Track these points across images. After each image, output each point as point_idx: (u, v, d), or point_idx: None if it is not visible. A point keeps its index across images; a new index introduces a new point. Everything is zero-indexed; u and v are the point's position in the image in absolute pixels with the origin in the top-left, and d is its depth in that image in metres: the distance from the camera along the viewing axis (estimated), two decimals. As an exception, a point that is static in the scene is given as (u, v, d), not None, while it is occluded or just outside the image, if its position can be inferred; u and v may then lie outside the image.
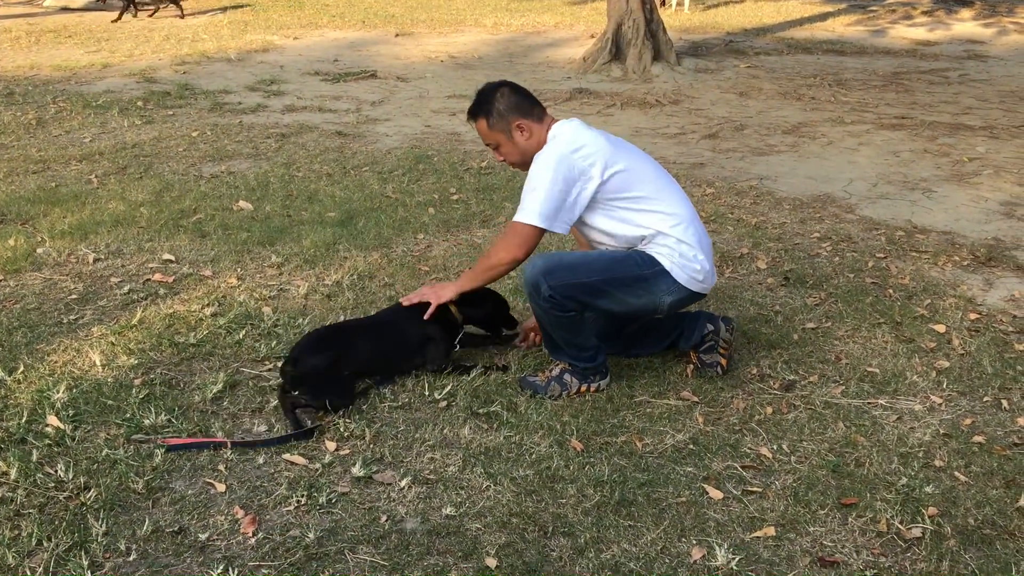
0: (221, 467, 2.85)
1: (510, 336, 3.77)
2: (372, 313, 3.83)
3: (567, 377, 3.36)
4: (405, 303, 3.48)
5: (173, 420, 3.08)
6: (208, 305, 3.98)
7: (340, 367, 3.26)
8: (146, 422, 3.04)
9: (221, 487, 2.75)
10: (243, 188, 5.77)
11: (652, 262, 3.24)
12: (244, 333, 3.72)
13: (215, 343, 3.65)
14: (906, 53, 12.84)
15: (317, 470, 2.85)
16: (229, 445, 2.94)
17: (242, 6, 15.73)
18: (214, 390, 3.26)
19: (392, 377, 3.40)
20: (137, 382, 3.32)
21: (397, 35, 13.16)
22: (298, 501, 2.69)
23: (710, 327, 3.48)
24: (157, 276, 4.29)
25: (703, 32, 14.00)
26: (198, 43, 11.78)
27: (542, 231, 3.20)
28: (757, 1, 18.48)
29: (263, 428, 3.07)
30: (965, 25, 15.43)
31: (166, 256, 4.54)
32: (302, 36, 12.75)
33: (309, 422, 3.04)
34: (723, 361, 3.51)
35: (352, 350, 3.34)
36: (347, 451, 2.96)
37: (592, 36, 12.37)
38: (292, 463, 2.88)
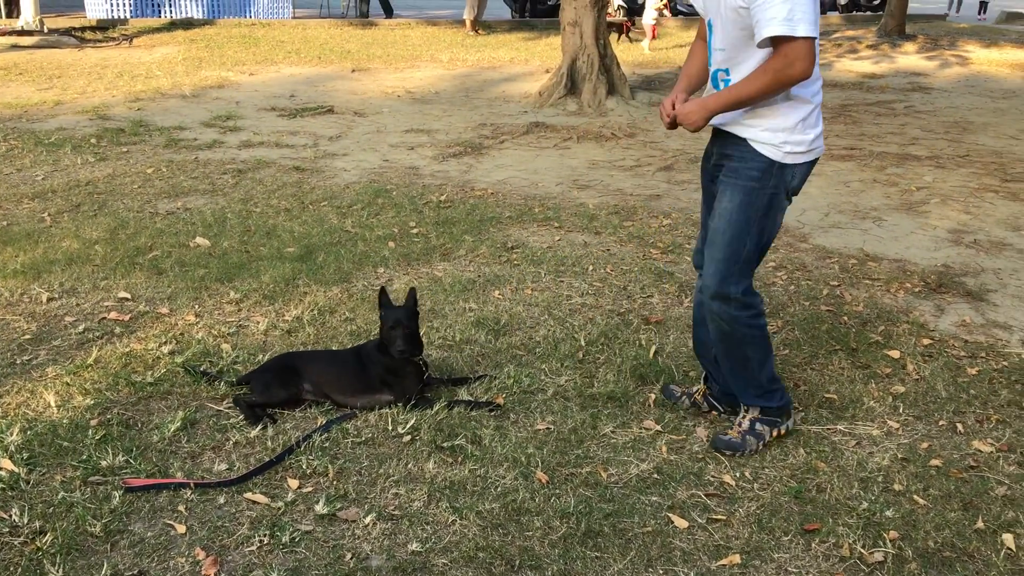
0: (181, 508, 2.80)
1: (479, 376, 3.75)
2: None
3: (759, 427, 3.26)
4: (664, 111, 3.07)
5: (131, 460, 3.02)
6: (165, 343, 3.93)
7: (292, 380, 3.45)
8: (103, 463, 2.98)
9: (181, 528, 2.70)
10: (200, 224, 5.72)
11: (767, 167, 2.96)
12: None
13: (173, 381, 3.59)
14: (853, 86, 13.16)
15: (279, 508, 2.81)
16: (192, 485, 2.89)
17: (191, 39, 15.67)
18: (172, 429, 3.21)
19: (351, 408, 3.41)
20: (93, 423, 3.25)
21: (353, 71, 13.19)
22: (261, 541, 2.65)
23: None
24: (113, 314, 4.23)
25: (655, 67, 14.23)
26: (152, 80, 11.71)
27: None
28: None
29: (223, 467, 3.03)
30: (909, 58, 15.88)
31: (122, 294, 4.48)
32: (258, 72, 12.73)
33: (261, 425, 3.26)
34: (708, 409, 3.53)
35: (310, 368, 3.50)
36: (310, 488, 2.92)
37: (547, 71, 12.52)
38: (254, 502, 2.84)
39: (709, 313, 3.18)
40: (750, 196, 3.00)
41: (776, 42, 2.74)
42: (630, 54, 15.52)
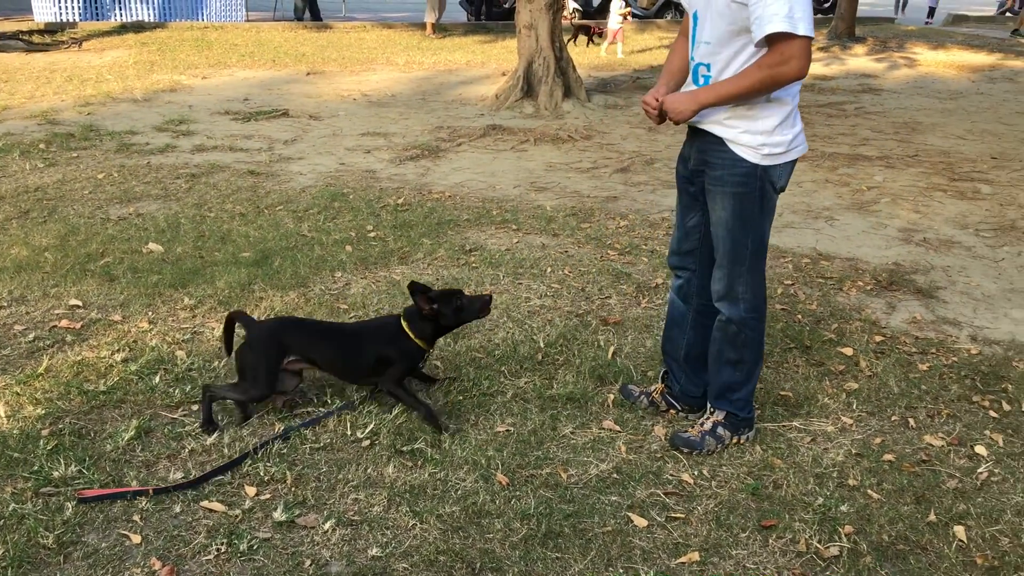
0: (136, 517, 2.75)
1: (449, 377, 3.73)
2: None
3: (721, 431, 3.28)
4: (648, 106, 3.07)
5: (84, 471, 2.97)
6: (118, 351, 3.86)
7: (282, 355, 3.32)
8: (55, 474, 2.93)
9: (136, 538, 2.66)
10: (153, 230, 5.63)
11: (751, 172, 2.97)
12: (157, 378, 3.62)
13: (127, 390, 3.54)
14: (804, 88, 13.33)
15: (237, 516, 2.78)
16: (151, 492, 2.85)
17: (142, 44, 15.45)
18: (126, 438, 3.16)
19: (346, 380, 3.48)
20: (45, 433, 3.19)
21: (309, 74, 13.10)
22: (218, 549, 2.62)
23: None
24: (64, 322, 4.15)
25: (611, 70, 14.32)
26: (102, 83, 11.51)
27: None
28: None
29: (179, 475, 2.99)
30: (859, 60, 16.16)
31: (73, 302, 4.40)
32: (211, 76, 12.58)
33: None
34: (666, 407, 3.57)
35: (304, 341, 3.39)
36: (268, 495, 2.89)
37: (504, 74, 12.53)
38: (211, 510, 2.80)
39: (718, 320, 3.21)
40: (742, 202, 3.02)
41: (774, 39, 2.73)
42: (586, 58, 15.61)
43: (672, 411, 3.55)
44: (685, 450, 3.24)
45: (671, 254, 3.43)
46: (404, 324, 3.38)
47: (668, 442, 3.30)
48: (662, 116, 3.06)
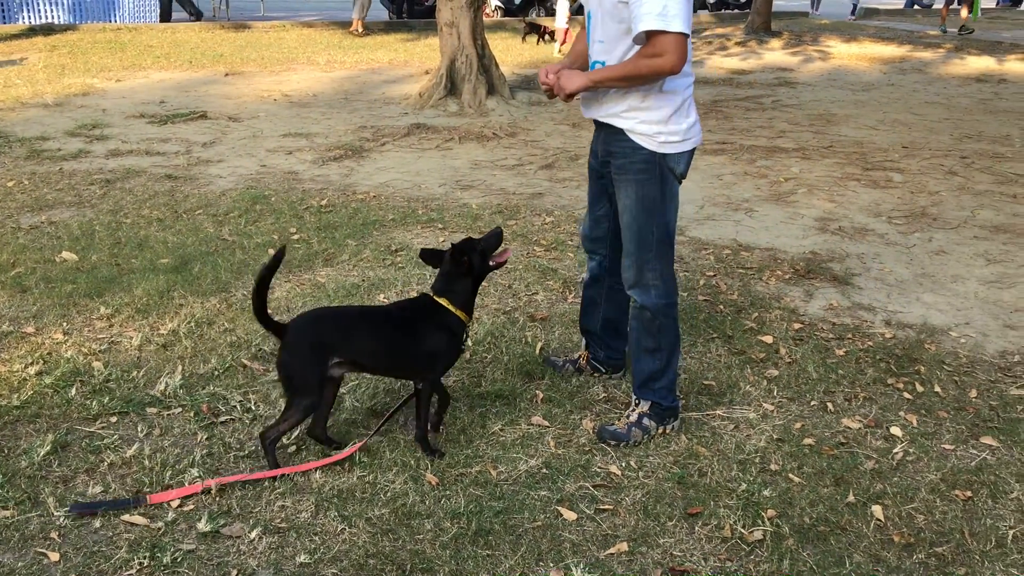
0: (54, 535, 2.67)
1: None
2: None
3: (646, 421, 3.34)
4: (543, 80, 3.16)
5: (-3, 489, 2.87)
6: (32, 363, 3.74)
7: (326, 355, 3.01)
8: (-34, 494, 2.82)
9: (55, 556, 2.58)
10: (66, 238, 5.47)
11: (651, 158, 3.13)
12: (73, 391, 3.52)
13: (41, 403, 3.43)
14: (723, 82, 13.60)
15: (159, 529, 2.72)
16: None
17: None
18: (42, 453, 3.07)
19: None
20: (-46, 452, 3.07)
21: (227, 75, 12.85)
22: (140, 563, 2.56)
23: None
24: (-27, 336, 4.00)
25: (535, 67, 14.37)
26: (11, 88, 11.12)
27: None
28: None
29: (98, 489, 2.91)
30: (775, 54, 16.53)
31: (-18, 314, 4.25)
32: (125, 78, 12.26)
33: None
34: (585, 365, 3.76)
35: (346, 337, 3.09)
36: (191, 506, 2.84)
37: (427, 72, 12.48)
38: (132, 524, 2.74)
39: (632, 307, 3.35)
40: (643, 188, 3.17)
41: (651, 35, 2.87)
42: (509, 55, 15.64)
43: (597, 374, 3.78)
44: (612, 443, 3.28)
45: (584, 239, 3.66)
46: (441, 300, 3.18)
47: (595, 435, 3.34)
48: (551, 91, 3.20)
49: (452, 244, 3.22)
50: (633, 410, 3.39)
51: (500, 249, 3.29)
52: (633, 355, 3.41)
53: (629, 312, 3.39)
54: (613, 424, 3.37)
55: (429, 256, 3.25)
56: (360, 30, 18.07)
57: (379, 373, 3.40)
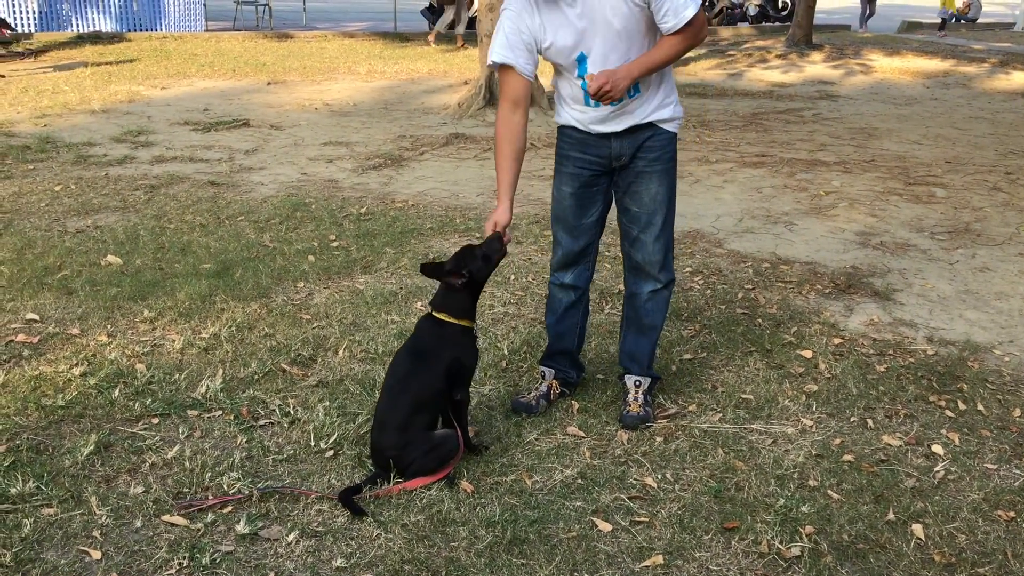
0: (96, 533, 2.72)
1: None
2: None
3: (649, 397, 3.58)
4: (591, 86, 3.10)
5: (42, 487, 2.92)
6: (77, 365, 3.81)
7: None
8: (12, 491, 2.88)
9: (96, 554, 2.63)
10: (111, 242, 5.57)
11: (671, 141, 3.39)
12: (116, 392, 3.58)
13: (85, 404, 3.49)
14: (763, 95, 13.52)
15: (199, 530, 2.75)
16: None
17: (113, 62, 15.25)
18: (85, 452, 3.12)
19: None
20: (1, 449, 3.14)
21: (269, 83, 13.02)
22: (180, 564, 2.60)
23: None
24: (20, 337, 4.09)
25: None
26: (59, 95, 11.36)
27: None
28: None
29: (140, 489, 2.95)
30: (816, 67, 16.39)
31: (30, 315, 4.33)
32: (170, 86, 12.47)
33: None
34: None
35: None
36: (230, 508, 2.87)
37: (466, 82, 12.55)
38: (172, 524, 2.78)
39: (653, 290, 3.49)
40: (671, 177, 3.40)
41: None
42: (548, 66, 15.64)
43: (563, 396, 3.70)
44: (644, 426, 3.43)
45: (560, 270, 3.60)
46: (440, 315, 3.12)
47: (622, 426, 3.44)
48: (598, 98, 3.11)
49: (451, 256, 3.17)
50: (637, 391, 3.54)
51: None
52: (640, 336, 3.56)
53: (642, 298, 3.51)
54: (630, 410, 3.49)
55: (431, 271, 3.14)
56: (440, 40, 18.34)
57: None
